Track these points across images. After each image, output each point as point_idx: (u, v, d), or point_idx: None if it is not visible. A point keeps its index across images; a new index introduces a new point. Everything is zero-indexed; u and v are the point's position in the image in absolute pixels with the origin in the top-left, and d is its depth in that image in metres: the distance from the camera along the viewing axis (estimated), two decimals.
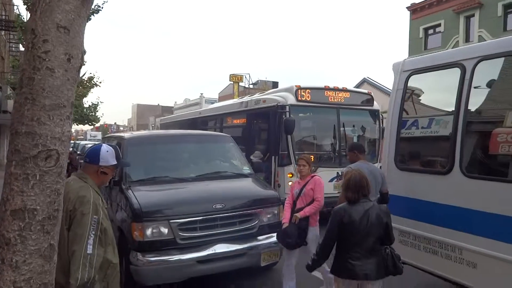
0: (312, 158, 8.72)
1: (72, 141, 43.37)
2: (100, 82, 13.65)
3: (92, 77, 13.55)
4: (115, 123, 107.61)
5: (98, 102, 13.76)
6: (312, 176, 4.90)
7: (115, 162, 2.58)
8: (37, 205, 1.56)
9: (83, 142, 33.20)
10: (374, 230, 3.26)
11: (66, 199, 2.31)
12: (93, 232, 2.23)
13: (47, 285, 1.60)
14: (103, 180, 2.59)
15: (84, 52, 1.61)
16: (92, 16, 12.31)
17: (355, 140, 10.04)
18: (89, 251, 2.19)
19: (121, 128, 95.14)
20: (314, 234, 4.76)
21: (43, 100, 1.54)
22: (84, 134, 75.43)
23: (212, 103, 31.62)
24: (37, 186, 1.55)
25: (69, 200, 2.30)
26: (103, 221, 2.31)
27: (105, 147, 2.59)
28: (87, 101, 14.44)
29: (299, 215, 4.64)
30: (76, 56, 1.58)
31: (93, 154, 2.54)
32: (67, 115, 1.59)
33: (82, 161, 2.67)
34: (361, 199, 3.34)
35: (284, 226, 4.74)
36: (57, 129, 1.57)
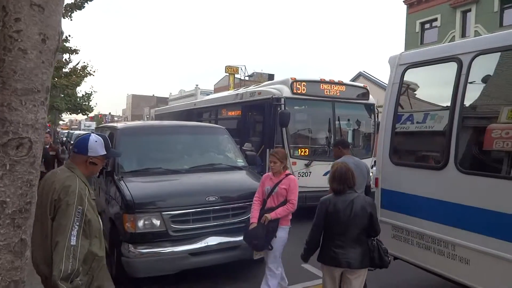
0: (307, 152, 8.75)
1: (66, 131, 43.13)
2: (94, 71, 13.48)
3: (85, 66, 13.38)
4: (109, 113, 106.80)
5: (91, 92, 13.60)
6: (287, 175, 4.45)
7: (104, 152, 2.52)
8: (7, 197, 1.46)
9: (77, 132, 32.99)
10: (358, 220, 3.38)
11: (52, 189, 2.26)
12: (77, 223, 2.17)
13: (17, 282, 1.51)
14: (92, 170, 2.53)
15: (61, 34, 1.51)
16: (86, 3, 12.08)
17: (350, 133, 10.05)
18: (73, 242, 2.13)
19: (116, 119, 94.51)
20: (282, 237, 4.36)
21: (15, 84, 1.42)
22: (78, 124, 74.91)
23: (208, 94, 31.48)
24: (7, 177, 1.45)
25: (54, 190, 2.24)
26: (88, 212, 2.24)
27: (93, 137, 2.52)
28: (80, 91, 14.29)
29: (269, 216, 4.23)
30: (52, 37, 1.47)
31: (82, 145, 2.47)
32: (42, 100, 1.47)
33: (72, 151, 2.59)
34: (347, 191, 3.49)
35: (251, 226, 4.35)
36: (30, 115, 1.46)
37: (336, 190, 3.52)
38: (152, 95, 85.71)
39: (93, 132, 2.71)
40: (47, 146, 7.36)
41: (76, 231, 2.15)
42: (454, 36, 21.74)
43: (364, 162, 5.55)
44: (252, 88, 10.83)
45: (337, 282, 3.52)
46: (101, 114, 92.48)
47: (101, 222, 2.45)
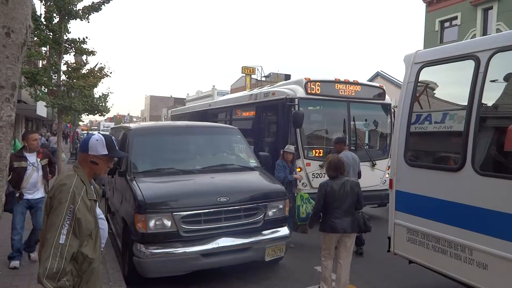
0: (321, 153, 8.64)
1: (85, 131, 44.03)
2: (111, 73, 13.58)
3: (102, 67, 13.51)
4: (128, 114, 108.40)
5: (108, 93, 13.70)
6: None
7: (105, 152, 2.45)
8: None
9: (95, 133, 33.52)
10: (348, 197, 4.56)
11: (52, 186, 2.29)
12: (68, 222, 2.13)
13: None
14: (95, 170, 2.47)
15: (30, 27, 1.44)
16: (103, 5, 12.19)
17: (366, 134, 9.88)
18: (62, 241, 2.09)
19: (134, 119, 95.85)
20: None
21: None
22: (98, 125, 76.28)
23: (224, 95, 31.50)
24: None
25: (52, 187, 2.26)
26: (78, 211, 2.19)
27: (96, 136, 2.50)
28: (97, 92, 14.43)
29: None
30: (18, 31, 1.39)
31: (84, 143, 2.48)
32: (7, 97, 1.39)
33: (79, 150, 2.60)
34: (339, 176, 4.65)
35: None
36: None
37: (331, 176, 4.69)
38: (169, 96, 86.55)
39: (99, 132, 2.69)
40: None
41: (66, 230, 2.12)
42: (474, 34, 21.20)
43: (355, 155, 7.05)
44: (266, 89, 10.76)
45: (334, 245, 4.67)
46: (119, 115, 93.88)
47: (98, 223, 2.37)
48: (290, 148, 7.21)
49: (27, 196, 5.22)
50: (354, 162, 6.71)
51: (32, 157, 5.29)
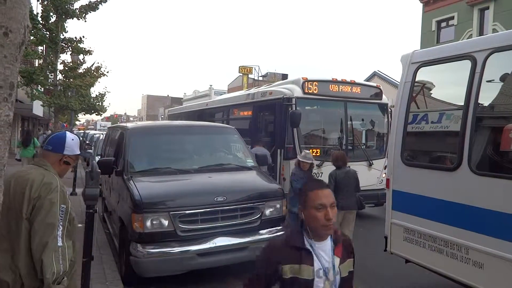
0: (318, 152, 8.65)
1: (81, 131, 44.05)
2: (108, 72, 13.58)
3: (99, 66, 13.51)
4: (125, 113, 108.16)
5: (105, 92, 13.71)
6: None
7: (79, 152, 2.42)
8: None
9: (92, 132, 33.55)
10: (350, 183, 6.04)
11: (28, 186, 2.11)
12: (61, 223, 2.05)
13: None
14: (65, 170, 2.39)
15: (28, 27, 1.43)
16: (100, 5, 12.19)
17: (362, 134, 9.92)
18: (60, 243, 2.02)
19: (131, 119, 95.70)
20: None
21: None
22: (94, 124, 76.20)
23: (221, 94, 31.47)
24: None
25: (31, 187, 2.09)
26: (71, 211, 2.13)
27: (70, 135, 2.41)
28: (94, 91, 14.46)
29: None
30: (16, 31, 1.37)
31: (57, 142, 2.34)
32: (5, 97, 1.34)
33: (45, 149, 2.41)
34: (343, 166, 6.12)
35: None
36: None
37: (338, 166, 6.12)
38: (166, 95, 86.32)
39: (67, 131, 2.58)
40: None
41: (60, 231, 2.05)
42: (471, 34, 21.27)
43: (266, 150, 8.36)
44: (263, 88, 10.76)
45: (340, 220, 5.96)
46: (116, 114, 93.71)
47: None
48: (308, 156, 6.54)
49: None
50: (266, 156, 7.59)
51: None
